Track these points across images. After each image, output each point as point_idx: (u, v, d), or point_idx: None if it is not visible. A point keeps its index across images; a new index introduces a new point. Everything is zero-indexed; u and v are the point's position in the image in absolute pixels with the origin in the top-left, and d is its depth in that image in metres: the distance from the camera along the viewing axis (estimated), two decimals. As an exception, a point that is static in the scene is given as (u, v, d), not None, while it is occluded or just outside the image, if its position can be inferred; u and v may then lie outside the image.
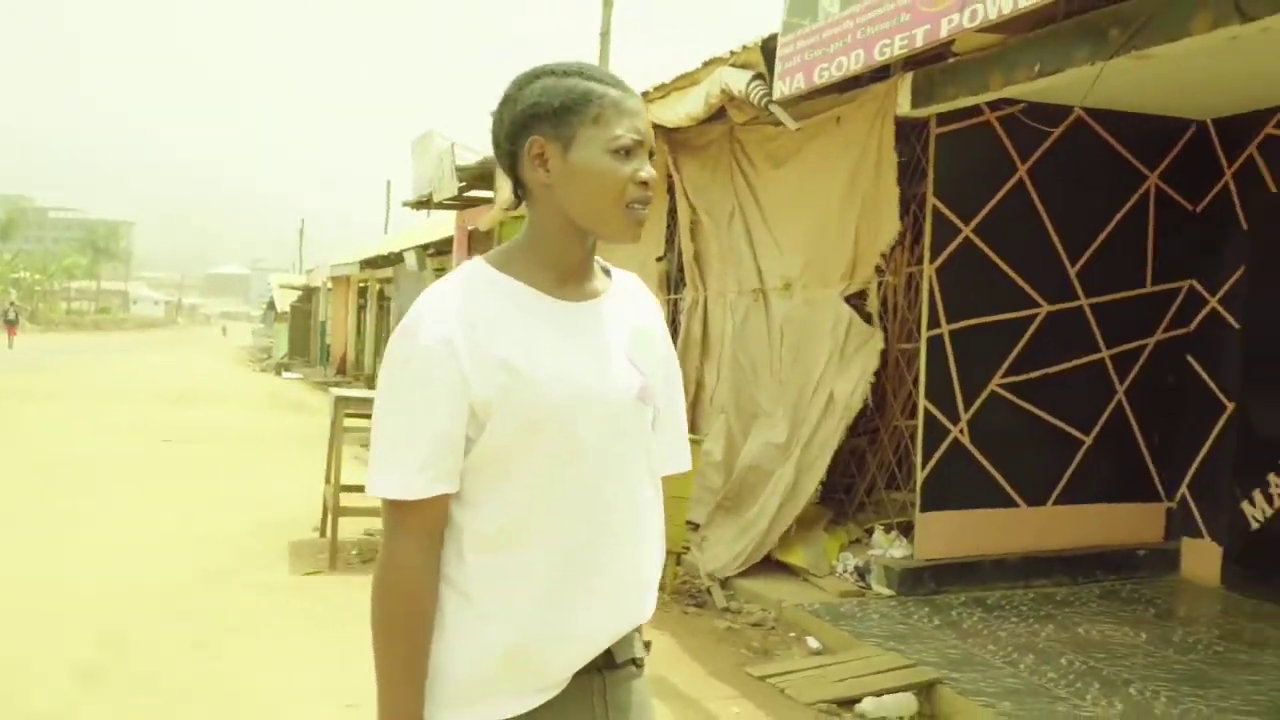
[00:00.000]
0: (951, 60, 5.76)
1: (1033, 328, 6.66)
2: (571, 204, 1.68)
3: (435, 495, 1.64)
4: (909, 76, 6.06)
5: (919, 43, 5.02)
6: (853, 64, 5.55)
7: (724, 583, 6.75)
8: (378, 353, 26.38)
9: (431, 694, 1.66)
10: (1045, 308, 6.68)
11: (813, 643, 5.71)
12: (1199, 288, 7.00)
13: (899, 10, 5.10)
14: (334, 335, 33.44)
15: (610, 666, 1.74)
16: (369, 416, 8.81)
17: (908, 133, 6.59)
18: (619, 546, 1.72)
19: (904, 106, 6.15)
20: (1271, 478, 6.44)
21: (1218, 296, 6.88)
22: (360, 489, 7.74)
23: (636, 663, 1.81)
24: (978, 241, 6.46)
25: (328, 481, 7.43)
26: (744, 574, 6.79)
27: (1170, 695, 4.84)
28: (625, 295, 1.82)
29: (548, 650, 1.67)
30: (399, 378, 1.64)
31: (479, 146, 12.06)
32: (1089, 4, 4.92)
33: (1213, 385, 6.89)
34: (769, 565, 6.88)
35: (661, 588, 5.63)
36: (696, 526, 7.27)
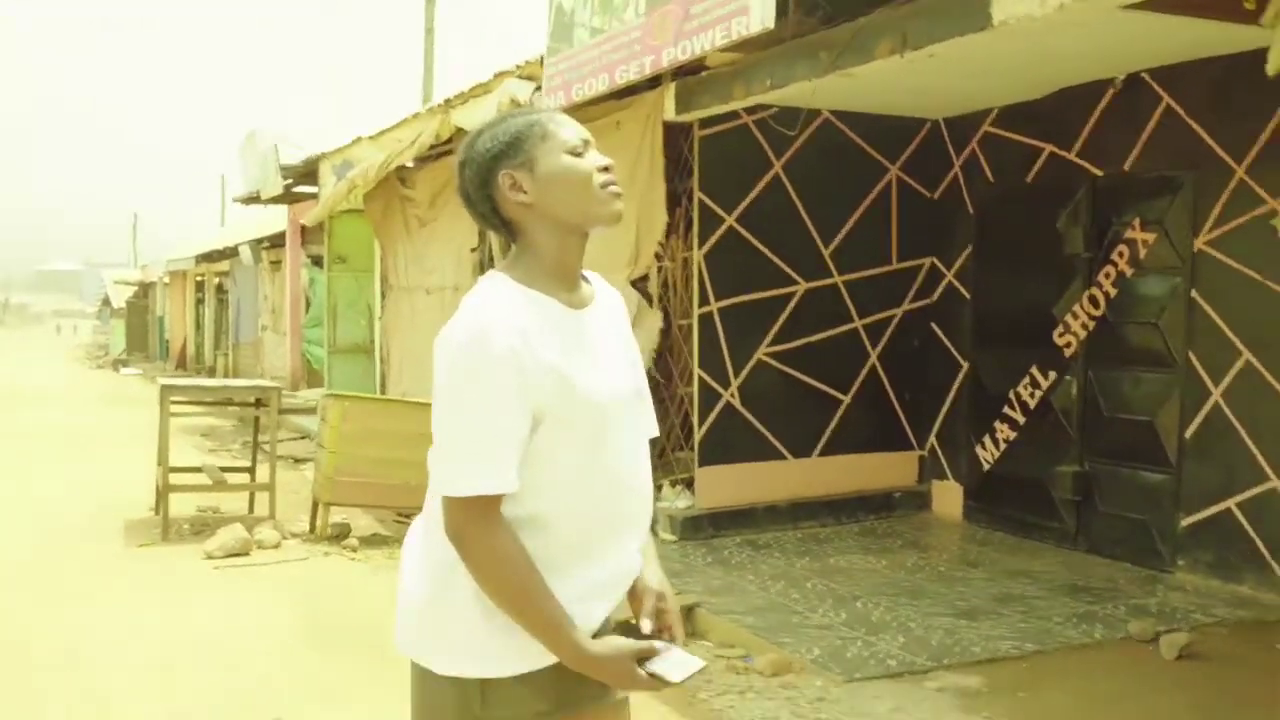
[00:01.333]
0: (704, 73, 6.64)
1: (793, 303, 7.59)
2: (555, 207, 1.89)
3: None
4: (673, 86, 6.92)
5: (646, 70, 5.90)
6: (599, 85, 6.40)
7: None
8: (218, 345, 26.28)
9: (469, 650, 1.87)
10: (803, 285, 7.63)
11: (601, 585, 6.51)
12: (938, 264, 8.05)
13: (632, 43, 5.96)
14: (173, 330, 33.03)
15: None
16: (195, 403, 9.34)
17: (677, 135, 7.43)
18: (633, 521, 2.01)
19: (670, 113, 7.00)
20: (998, 425, 7.52)
21: (953, 271, 7.94)
22: (191, 469, 8.34)
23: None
24: (740, 229, 7.36)
25: (159, 464, 7.93)
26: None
27: (888, 605, 5.79)
28: (605, 299, 2.05)
29: (583, 610, 1.89)
30: (473, 386, 1.79)
31: (304, 143, 12.49)
32: (807, 28, 5.83)
33: (951, 348, 7.96)
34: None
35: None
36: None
